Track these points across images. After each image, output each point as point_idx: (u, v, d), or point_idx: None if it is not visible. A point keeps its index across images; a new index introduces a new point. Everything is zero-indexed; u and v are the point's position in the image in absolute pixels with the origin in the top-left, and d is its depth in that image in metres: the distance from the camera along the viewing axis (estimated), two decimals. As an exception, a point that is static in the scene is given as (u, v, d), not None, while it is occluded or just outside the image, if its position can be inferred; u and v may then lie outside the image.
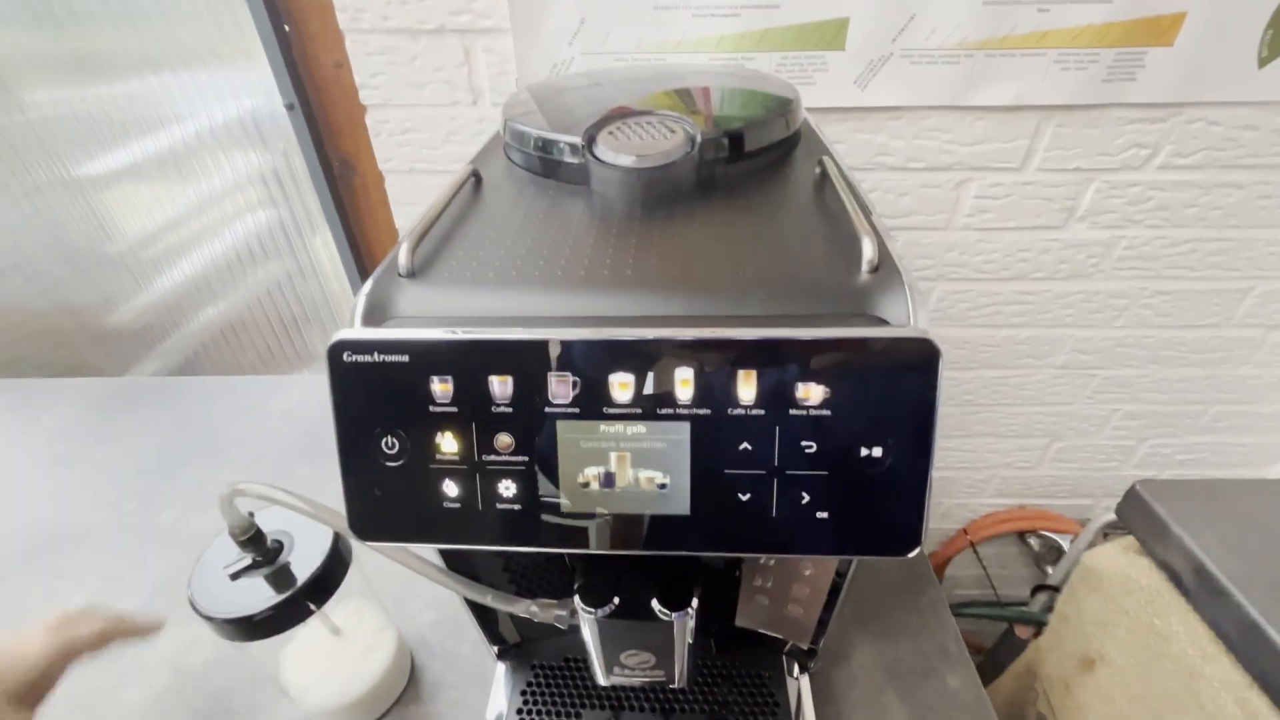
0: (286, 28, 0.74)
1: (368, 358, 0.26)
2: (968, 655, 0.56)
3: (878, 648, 0.58)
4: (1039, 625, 1.02)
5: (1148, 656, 0.53)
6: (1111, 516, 0.92)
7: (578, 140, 0.38)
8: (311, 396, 0.93)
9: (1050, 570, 1.09)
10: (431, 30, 0.67)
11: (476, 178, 0.41)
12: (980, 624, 1.14)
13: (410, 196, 0.82)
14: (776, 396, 0.25)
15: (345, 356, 0.26)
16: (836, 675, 0.56)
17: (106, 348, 1.20)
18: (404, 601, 0.63)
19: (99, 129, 0.95)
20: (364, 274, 0.97)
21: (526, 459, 0.26)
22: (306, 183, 0.95)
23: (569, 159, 0.39)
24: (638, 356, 0.25)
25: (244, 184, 1.00)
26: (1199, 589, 0.48)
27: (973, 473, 1.10)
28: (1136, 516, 0.54)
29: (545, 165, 0.41)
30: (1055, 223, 0.79)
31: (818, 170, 0.38)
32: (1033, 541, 1.12)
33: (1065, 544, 1.09)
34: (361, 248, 0.96)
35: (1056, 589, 1.02)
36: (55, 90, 0.91)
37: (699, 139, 0.37)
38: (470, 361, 0.26)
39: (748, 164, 0.40)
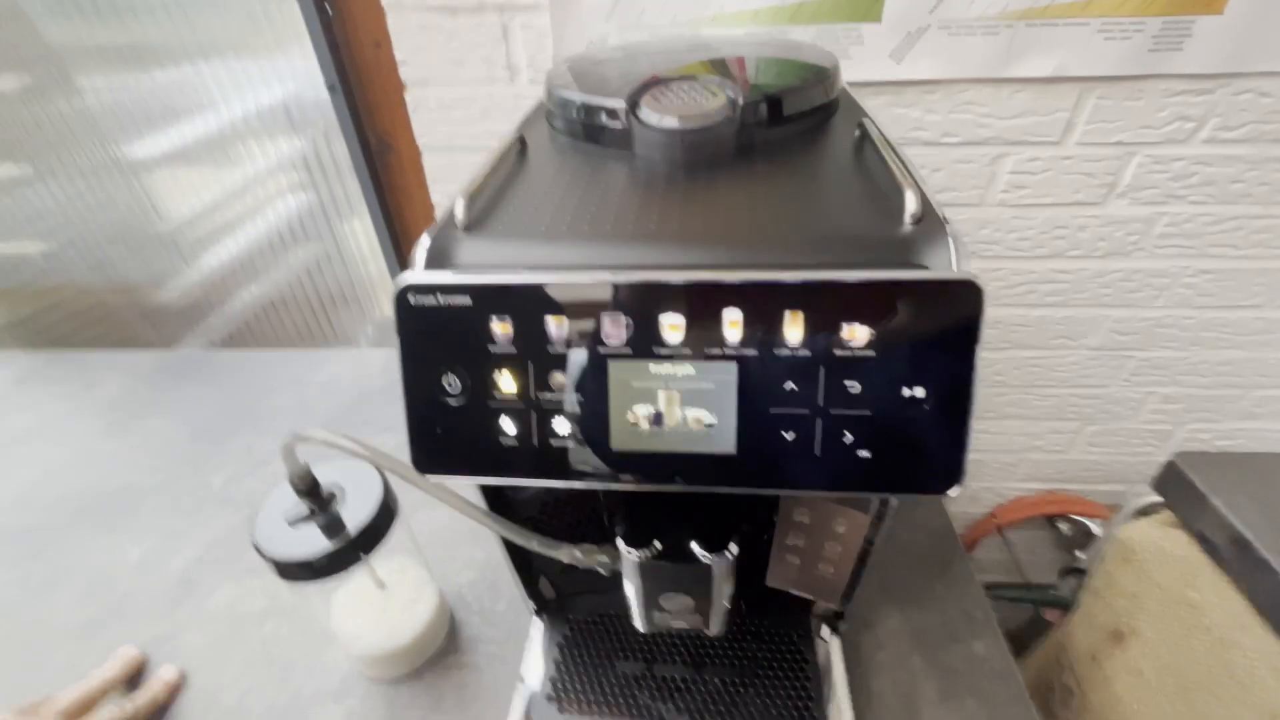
0: (329, 8, 0.76)
1: (433, 300, 0.27)
2: (995, 623, 0.57)
3: (905, 615, 0.58)
4: (1066, 608, 1.01)
5: (1180, 629, 0.53)
6: (1147, 500, 0.91)
7: (621, 104, 0.39)
8: (349, 370, 0.96)
9: (1080, 555, 1.08)
10: (471, 8, 0.69)
11: (522, 143, 0.42)
12: (1004, 607, 1.14)
13: (447, 174, 0.83)
14: (822, 338, 0.26)
15: (412, 299, 0.28)
16: (863, 640, 0.56)
17: (153, 323, 1.25)
18: (443, 563, 0.65)
19: (150, 114, 0.99)
20: (400, 254, 0.99)
21: (580, 398, 0.28)
22: (345, 167, 0.98)
23: (612, 123, 0.40)
24: (689, 298, 0.26)
25: (285, 167, 1.03)
26: (1236, 560, 0.48)
27: (1002, 455, 1.09)
28: (1174, 489, 0.54)
29: (588, 130, 0.42)
30: (1094, 199, 0.78)
31: (857, 132, 0.39)
32: (1062, 526, 1.11)
33: (1095, 528, 1.08)
34: (397, 227, 0.98)
35: (1086, 572, 1.01)
36: (110, 76, 0.95)
37: (741, 102, 0.38)
38: (529, 304, 0.27)
39: (788, 129, 0.41)
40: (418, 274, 0.28)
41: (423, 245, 0.31)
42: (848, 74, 0.69)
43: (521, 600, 0.54)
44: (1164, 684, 0.54)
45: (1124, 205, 0.78)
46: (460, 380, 0.28)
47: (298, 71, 0.89)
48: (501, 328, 0.27)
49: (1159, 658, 0.55)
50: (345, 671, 0.57)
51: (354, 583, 0.56)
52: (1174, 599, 0.53)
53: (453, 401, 0.29)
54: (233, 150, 1.02)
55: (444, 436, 0.29)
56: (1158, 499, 0.87)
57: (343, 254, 1.13)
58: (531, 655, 0.53)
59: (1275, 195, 0.76)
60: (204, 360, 1.01)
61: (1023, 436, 1.06)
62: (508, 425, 0.29)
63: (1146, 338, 0.91)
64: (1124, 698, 0.57)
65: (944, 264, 0.27)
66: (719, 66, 0.46)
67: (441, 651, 0.58)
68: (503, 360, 0.28)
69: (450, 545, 0.67)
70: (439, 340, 0.28)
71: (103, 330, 1.28)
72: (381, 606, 0.56)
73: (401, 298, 0.28)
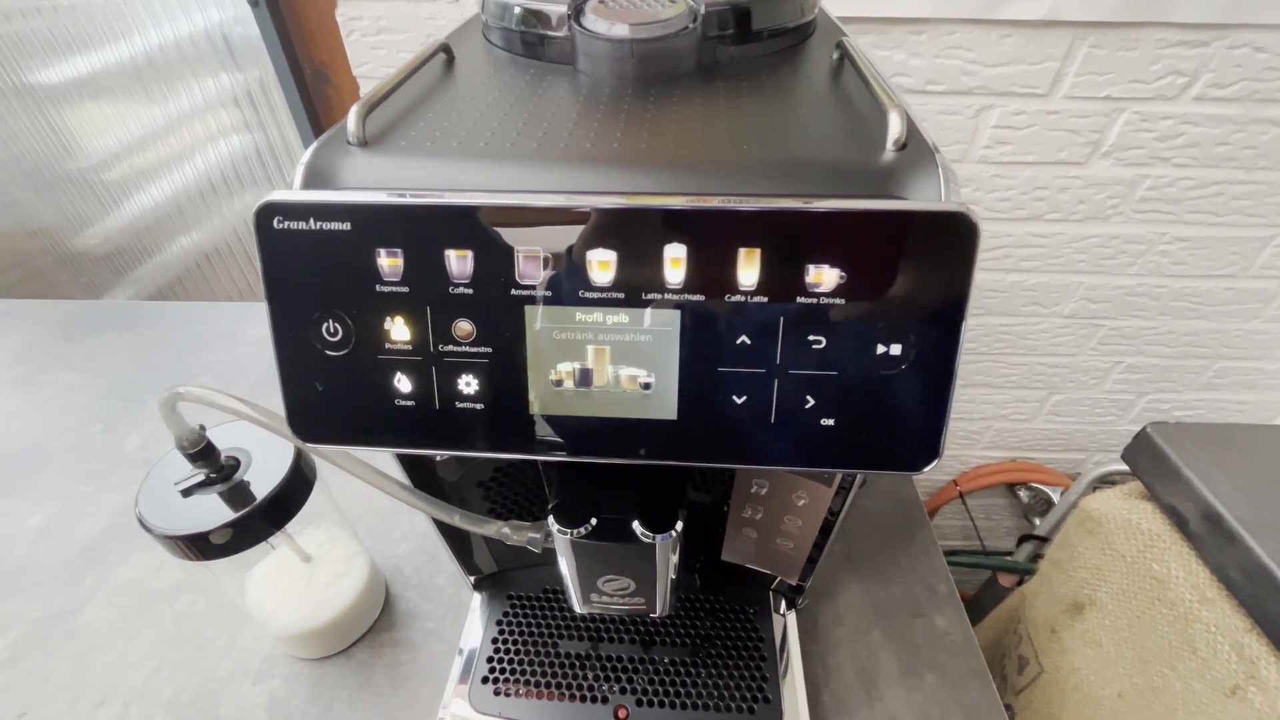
0: (246, -93, 0.67)
1: (303, 225, 0.22)
2: (958, 597, 0.55)
3: (866, 587, 0.56)
4: (1022, 574, 1.03)
5: (1142, 601, 0.52)
6: (1106, 469, 0.91)
7: (562, 9, 0.33)
8: (287, 325, 0.89)
9: (1038, 521, 1.08)
10: (407, -90, 0.60)
11: (448, 54, 0.36)
12: (962, 573, 1.15)
13: (388, 108, 0.75)
14: (782, 281, 0.21)
15: (276, 223, 0.22)
16: (822, 613, 0.54)
17: (72, 271, 1.15)
18: (380, 533, 0.61)
19: (59, 39, 0.88)
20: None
21: (490, 350, 0.23)
22: (285, 108, 0.89)
23: (554, 33, 0.34)
24: (622, 230, 0.21)
25: (214, 105, 0.93)
26: (1206, 533, 0.46)
27: (967, 423, 1.08)
28: (1145, 460, 0.52)
29: (526, 41, 0.36)
30: (1078, 158, 0.74)
31: (836, 53, 0.34)
32: (1022, 493, 1.12)
33: (1055, 496, 1.08)
34: (338, 168, 0.90)
35: (1044, 539, 1.02)
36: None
37: (702, 10, 0.33)
38: (424, 231, 0.22)
39: (757, 46, 0.35)
40: (286, 192, 0.23)
41: (300, 164, 0.25)
42: (828, 8, 0.63)
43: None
44: (1123, 656, 0.53)
45: (1107, 166, 0.75)
46: (342, 327, 0.23)
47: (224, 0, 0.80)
48: (391, 261, 0.22)
49: (1119, 630, 0.54)
50: (269, 650, 0.52)
51: (274, 556, 0.51)
52: (1138, 571, 0.52)
53: (333, 353, 0.23)
54: (154, 85, 0.92)
55: (325, 396, 0.24)
56: (1118, 468, 0.87)
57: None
58: (469, 634, 0.49)
59: (1260, 159, 0.74)
60: (125, 311, 0.92)
61: (989, 404, 1.05)
62: (402, 383, 0.23)
63: (1118, 306, 0.90)
64: (1081, 669, 0.57)
65: (932, 196, 0.23)
66: (683, -21, 0.40)
67: (375, 628, 0.54)
68: (394, 302, 0.23)
69: (388, 515, 0.62)
70: (314, 276, 0.23)
71: (17, 278, 1.17)
72: (305, 580, 0.51)
73: (263, 221, 0.22)
